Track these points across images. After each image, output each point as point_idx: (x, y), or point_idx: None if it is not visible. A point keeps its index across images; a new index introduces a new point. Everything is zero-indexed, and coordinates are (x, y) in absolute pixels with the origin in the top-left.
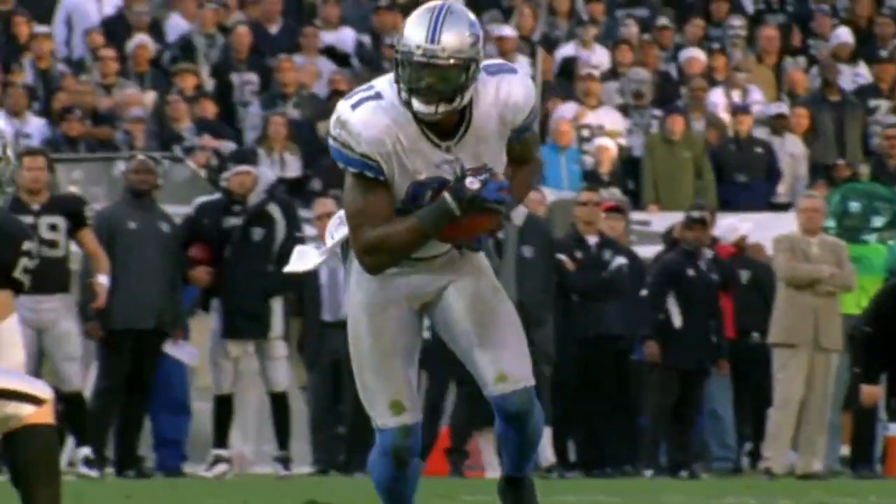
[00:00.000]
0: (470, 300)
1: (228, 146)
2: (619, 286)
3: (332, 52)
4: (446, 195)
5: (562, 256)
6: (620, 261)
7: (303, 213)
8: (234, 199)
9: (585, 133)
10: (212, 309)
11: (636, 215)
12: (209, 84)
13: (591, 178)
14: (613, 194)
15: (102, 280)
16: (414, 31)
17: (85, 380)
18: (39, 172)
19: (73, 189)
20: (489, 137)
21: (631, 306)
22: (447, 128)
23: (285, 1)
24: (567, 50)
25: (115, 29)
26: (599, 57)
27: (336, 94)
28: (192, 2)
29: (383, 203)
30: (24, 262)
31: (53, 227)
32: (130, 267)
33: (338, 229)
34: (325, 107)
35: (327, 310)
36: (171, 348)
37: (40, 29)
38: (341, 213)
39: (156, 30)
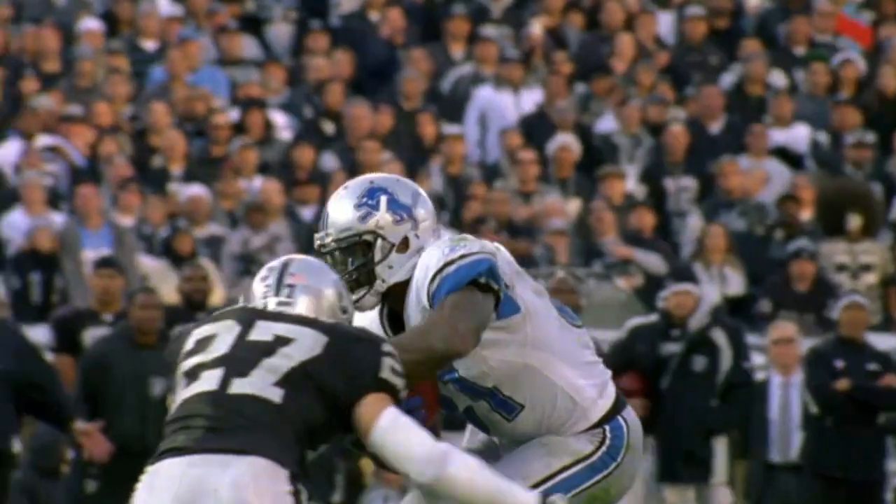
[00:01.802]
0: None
1: (653, 261)
2: None
3: (783, 153)
4: None
5: None
6: None
7: (750, 338)
8: (673, 323)
9: None
10: (645, 448)
11: None
12: (639, 191)
13: None
14: None
15: None
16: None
17: None
18: None
19: None
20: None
21: None
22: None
23: (729, 95)
24: None
25: (536, 128)
26: None
27: (788, 200)
28: (618, 95)
29: None
30: (390, 362)
31: None
32: None
33: None
34: (775, 215)
35: (776, 450)
36: None
37: (450, 129)
38: None
39: (581, 129)
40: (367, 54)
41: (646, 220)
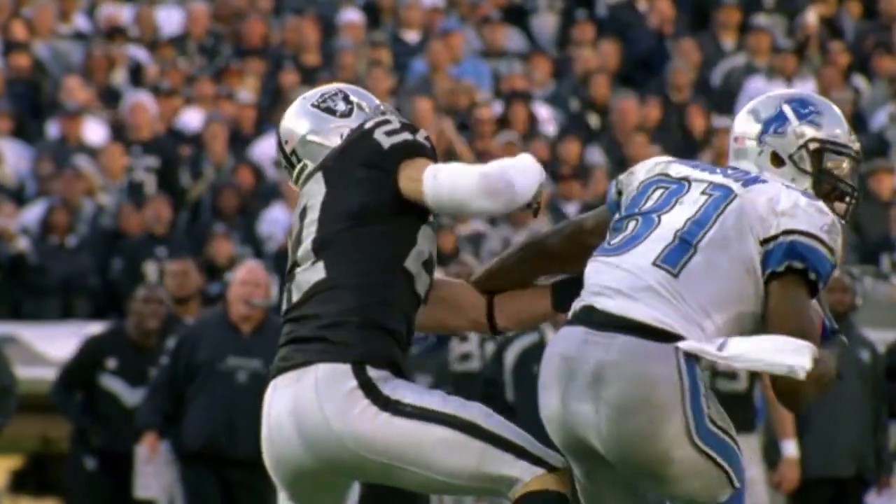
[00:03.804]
0: None
1: None
2: None
3: None
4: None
5: None
6: None
7: None
8: None
9: None
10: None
11: None
12: None
13: None
14: None
15: (788, 450)
16: (835, 122)
17: None
18: None
19: None
20: None
21: None
22: None
23: None
24: None
25: None
26: None
27: None
28: None
29: None
30: (382, 129)
31: None
32: (826, 403)
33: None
34: None
35: None
36: (874, 500)
37: (721, 122)
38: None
39: (860, 121)
40: (634, 45)
41: None
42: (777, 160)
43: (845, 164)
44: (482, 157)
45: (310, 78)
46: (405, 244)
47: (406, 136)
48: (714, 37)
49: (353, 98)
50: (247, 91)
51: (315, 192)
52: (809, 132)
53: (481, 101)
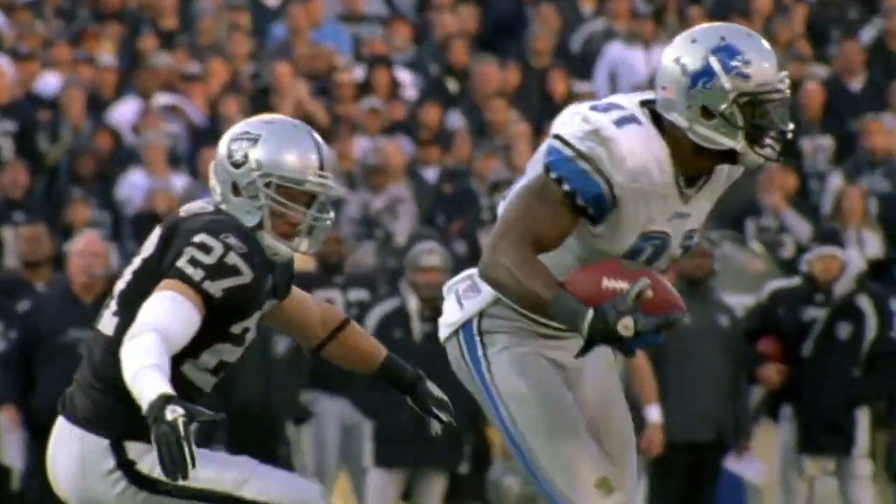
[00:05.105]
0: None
1: (797, 224)
2: None
3: None
4: (588, 316)
5: None
6: None
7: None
8: (817, 287)
9: None
10: (782, 417)
11: None
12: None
13: None
14: None
15: (652, 415)
16: (763, 63)
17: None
18: None
19: None
20: (712, 197)
21: None
22: (693, 173)
23: (870, 51)
24: None
25: None
26: None
27: None
28: None
29: (558, 230)
30: (192, 252)
31: None
32: (685, 368)
33: (466, 295)
34: None
35: None
36: (733, 464)
37: (580, 87)
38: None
39: None
40: (493, 10)
41: (789, 181)
42: (707, 114)
43: (776, 105)
44: (342, 122)
45: (168, 42)
46: (185, 349)
47: (196, 273)
48: (573, 2)
49: (253, 151)
50: (105, 55)
51: (151, 241)
52: (739, 86)
53: (341, 65)
